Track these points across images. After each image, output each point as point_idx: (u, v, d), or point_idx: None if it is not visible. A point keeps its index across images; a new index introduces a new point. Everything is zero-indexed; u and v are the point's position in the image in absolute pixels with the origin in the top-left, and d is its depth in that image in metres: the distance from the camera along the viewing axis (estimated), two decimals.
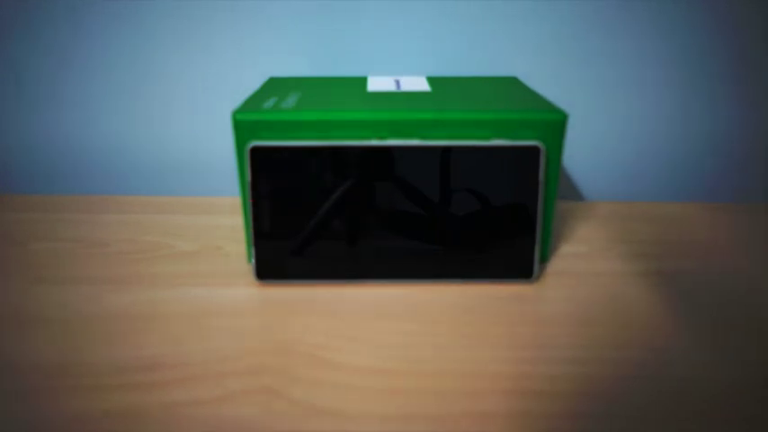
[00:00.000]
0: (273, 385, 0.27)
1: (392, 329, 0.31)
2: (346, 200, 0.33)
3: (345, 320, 0.32)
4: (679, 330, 0.31)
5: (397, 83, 0.42)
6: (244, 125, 0.33)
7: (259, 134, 0.34)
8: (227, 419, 0.25)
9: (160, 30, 0.48)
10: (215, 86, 0.51)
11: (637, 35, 0.48)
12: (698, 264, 0.38)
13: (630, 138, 0.52)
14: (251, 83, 0.50)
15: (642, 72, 0.49)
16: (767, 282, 0.36)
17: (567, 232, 0.43)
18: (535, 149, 0.33)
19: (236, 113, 0.33)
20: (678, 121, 0.51)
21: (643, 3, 0.47)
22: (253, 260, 0.35)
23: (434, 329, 0.31)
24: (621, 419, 0.25)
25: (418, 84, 0.42)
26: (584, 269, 0.37)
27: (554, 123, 0.33)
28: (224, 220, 0.45)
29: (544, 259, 0.38)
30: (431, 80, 0.44)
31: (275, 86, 0.41)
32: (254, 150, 0.33)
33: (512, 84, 0.42)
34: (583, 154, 0.52)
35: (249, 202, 0.34)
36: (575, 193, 0.55)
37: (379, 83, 0.42)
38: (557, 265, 0.38)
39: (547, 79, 0.50)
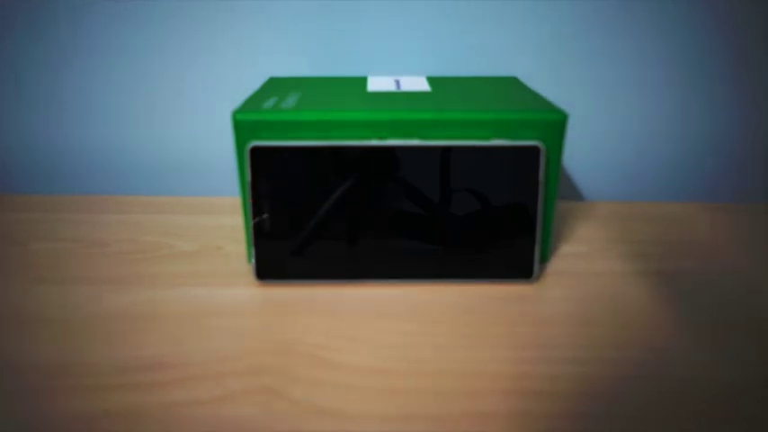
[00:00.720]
0: (273, 385, 0.27)
1: (392, 329, 0.31)
2: (346, 200, 0.33)
3: (345, 320, 0.32)
4: (679, 330, 0.31)
5: (397, 83, 0.42)
6: (244, 125, 0.33)
7: (259, 134, 0.34)
8: (227, 419, 0.25)
9: (160, 30, 0.48)
10: (215, 86, 0.51)
11: (637, 35, 0.48)
12: (698, 264, 0.38)
13: (630, 138, 0.52)
14: (251, 83, 0.50)
15: (642, 72, 0.49)
16: (767, 282, 0.36)
17: (567, 232, 0.43)
18: (535, 149, 0.33)
19: (236, 113, 0.33)
20: (678, 121, 0.51)
21: (643, 3, 0.47)
22: (253, 260, 0.35)
23: (434, 329, 0.31)
24: (621, 419, 0.25)
25: (418, 84, 0.42)
26: (585, 269, 0.37)
27: (554, 123, 0.33)
28: (224, 220, 0.45)
29: (544, 259, 0.38)
30: (431, 80, 0.44)
31: (275, 86, 0.41)
32: (254, 150, 0.33)
33: (512, 84, 0.42)
34: (583, 154, 0.52)
35: (249, 202, 0.34)
36: (575, 193, 0.55)
37: (379, 83, 0.42)
38: (557, 265, 0.38)
39: (547, 79, 0.50)
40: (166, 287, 0.35)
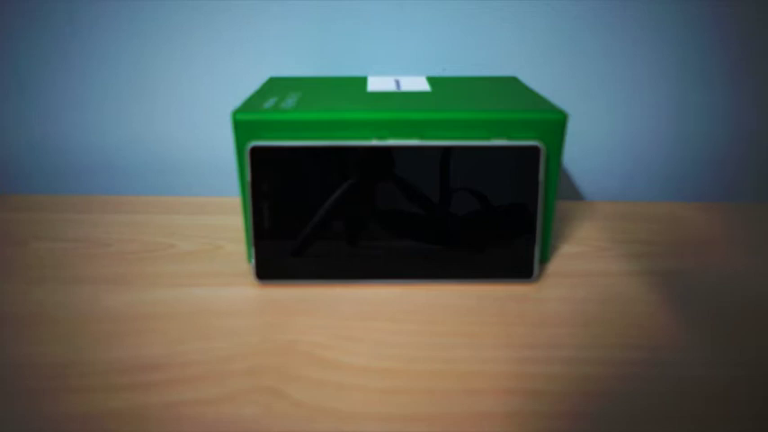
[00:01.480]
0: (273, 385, 0.27)
1: (392, 329, 0.31)
2: (346, 200, 0.33)
3: (345, 320, 0.32)
4: (678, 330, 0.31)
5: (397, 83, 0.42)
6: (244, 125, 0.33)
7: (259, 134, 0.34)
8: (228, 419, 0.25)
9: (161, 30, 0.48)
10: (215, 86, 0.51)
11: (637, 36, 0.48)
12: (697, 263, 0.38)
13: (630, 138, 0.52)
14: (251, 83, 0.50)
15: (642, 72, 0.49)
16: (766, 281, 0.36)
17: (567, 232, 0.43)
18: (535, 149, 0.33)
19: (236, 113, 0.33)
20: (678, 121, 0.51)
21: (643, 4, 0.47)
22: (253, 260, 0.35)
23: (434, 329, 0.31)
24: (621, 419, 0.25)
25: (418, 84, 0.42)
26: (585, 269, 0.37)
27: (554, 123, 0.33)
28: (224, 220, 0.45)
29: (544, 259, 0.38)
30: (431, 80, 0.44)
31: (275, 86, 0.41)
32: (254, 150, 0.33)
33: (512, 84, 0.42)
34: (583, 154, 0.52)
35: (249, 202, 0.34)
36: (575, 193, 0.55)
37: (379, 83, 0.42)
38: (557, 265, 0.38)
39: (547, 79, 0.50)
40: (166, 287, 0.35)
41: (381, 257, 0.34)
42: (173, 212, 0.46)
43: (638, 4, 0.47)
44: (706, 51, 0.48)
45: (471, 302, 0.33)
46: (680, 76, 0.49)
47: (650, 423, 0.24)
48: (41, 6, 0.48)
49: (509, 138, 0.34)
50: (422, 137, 0.34)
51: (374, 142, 0.33)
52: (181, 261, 0.38)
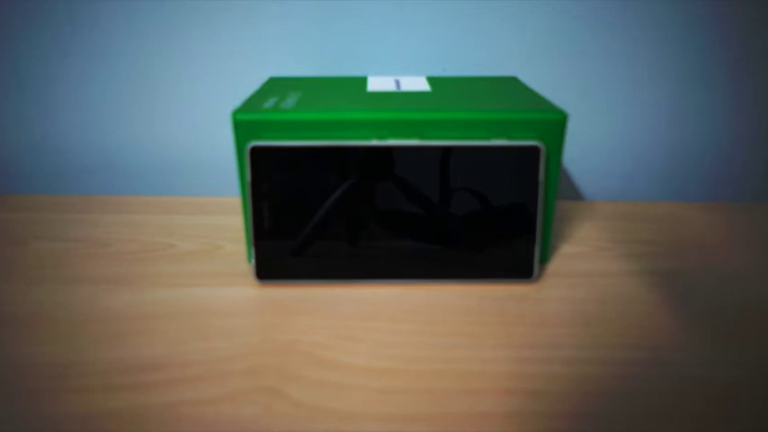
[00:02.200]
0: (273, 385, 0.27)
1: (392, 329, 0.31)
2: (346, 200, 0.33)
3: (345, 320, 0.32)
4: (678, 330, 0.31)
5: (397, 83, 0.42)
6: (244, 125, 0.33)
7: (259, 134, 0.34)
8: (228, 419, 0.25)
9: (161, 30, 0.48)
10: (215, 86, 0.51)
11: (637, 36, 0.48)
12: (697, 264, 0.38)
13: (630, 138, 0.52)
14: (251, 83, 0.50)
15: (642, 72, 0.49)
16: (766, 281, 0.36)
17: (567, 232, 0.43)
18: (535, 149, 0.33)
19: (236, 113, 0.33)
20: (678, 121, 0.51)
21: (643, 4, 0.47)
22: (253, 260, 0.35)
23: (434, 329, 0.31)
24: (621, 419, 0.25)
25: (418, 84, 0.42)
26: (584, 269, 0.37)
27: (554, 123, 0.33)
28: (224, 220, 0.45)
29: (544, 259, 0.38)
30: (431, 80, 0.44)
31: (275, 86, 0.41)
32: (254, 150, 0.33)
33: (512, 84, 0.42)
34: (583, 154, 0.52)
35: (249, 202, 0.34)
36: (575, 193, 0.55)
37: (379, 83, 0.42)
38: (557, 265, 0.38)
39: (547, 79, 0.50)
40: (166, 287, 0.35)
41: (381, 257, 0.34)
42: (172, 212, 0.46)
43: (638, 4, 0.47)
44: (706, 51, 0.48)
45: (471, 302, 0.33)
46: (680, 76, 0.49)
47: (650, 423, 0.24)
48: (41, 6, 0.48)
49: (509, 138, 0.34)
50: (422, 137, 0.34)
51: (374, 142, 0.33)
52: (181, 261, 0.38)
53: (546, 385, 0.27)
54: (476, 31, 0.48)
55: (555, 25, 0.48)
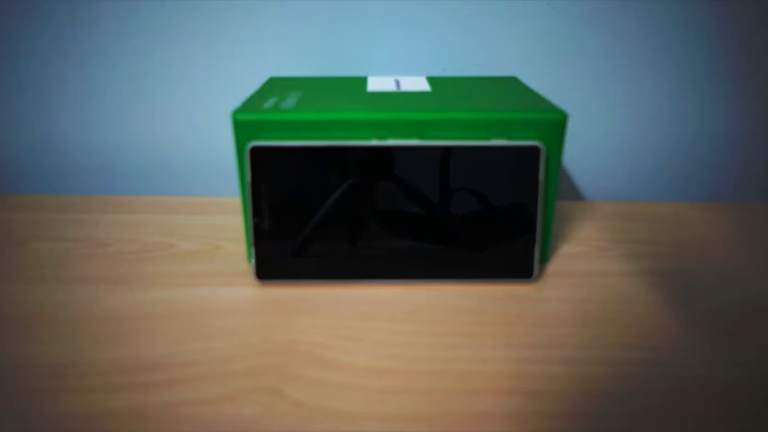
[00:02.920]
0: (273, 385, 0.27)
1: (392, 329, 0.31)
2: (346, 200, 0.33)
3: (345, 320, 0.32)
4: (679, 330, 0.31)
5: (397, 83, 0.42)
6: (244, 125, 0.33)
7: (259, 134, 0.34)
8: (228, 419, 0.25)
9: (161, 30, 0.48)
10: (215, 86, 0.51)
11: (637, 36, 0.48)
12: (697, 264, 0.38)
13: (630, 138, 0.52)
14: (251, 83, 0.50)
15: (642, 72, 0.49)
16: (766, 281, 0.36)
17: (567, 232, 0.43)
18: (535, 149, 0.33)
19: (236, 113, 0.33)
20: (678, 121, 0.51)
21: (644, 4, 0.47)
22: (253, 260, 0.35)
23: (434, 329, 0.31)
24: (621, 419, 0.25)
25: (418, 84, 0.42)
26: (585, 269, 0.37)
27: (554, 123, 0.33)
28: (224, 220, 0.45)
29: (544, 259, 0.38)
30: (431, 80, 0.44)
31: (275, 86, 0.41)
32: (254, 150, 0.33)
33: (512, 84, 0.42)
34: (583, 154, 0.52)
35: (249, 202, 0.34)
36: (575, 193, 0.55)
37: (379, 83, 0.42)
38: (557, 265, 0.38)
39: (547, 79, 0.50)
40: (166, 287, 0.35)
41: (381, 257, 0.34)
42: (172, 212, 0.46)
43: (638, 4, 0.47)
44: (706, 51, 0.48)
45: (471, 302, 0.33)
46: (680, 75, 0.49)
47: (650, 423, 0.24)
48: (41, 6, 0.48)
49: (509, 138, 0.34)
50: (422, 137, 0.34)
51: (374, 142, 0.33)
52: (181, 261, 0.38)
53: (546, 385, 0.27)
54: (476, 31, 0.48)
55: (555, 25, 0.48)
